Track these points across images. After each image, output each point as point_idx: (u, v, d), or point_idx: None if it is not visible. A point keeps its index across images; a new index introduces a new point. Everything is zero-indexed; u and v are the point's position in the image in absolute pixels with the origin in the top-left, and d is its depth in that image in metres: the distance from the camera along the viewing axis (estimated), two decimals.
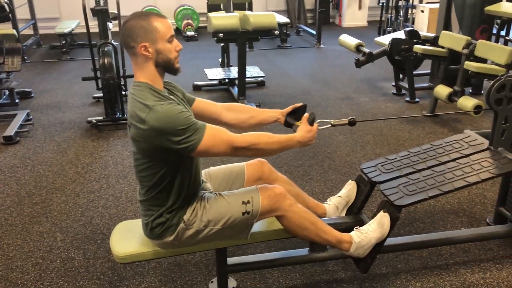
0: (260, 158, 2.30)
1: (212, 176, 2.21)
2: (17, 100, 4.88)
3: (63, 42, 7.01)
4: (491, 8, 4.62)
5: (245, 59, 4.64)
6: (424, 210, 2.94)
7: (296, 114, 2.13)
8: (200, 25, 8.76)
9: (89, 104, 5.02)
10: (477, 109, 3.90)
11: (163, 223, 1.92)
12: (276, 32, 4.46)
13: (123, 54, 4.42)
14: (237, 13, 4.55)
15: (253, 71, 5.28)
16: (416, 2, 8.16)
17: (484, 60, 4.11)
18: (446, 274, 2.38)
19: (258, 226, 2.10)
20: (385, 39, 5.20)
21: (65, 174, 3.48)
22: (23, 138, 4.13)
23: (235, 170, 2.23)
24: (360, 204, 2.39)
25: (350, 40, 5.23)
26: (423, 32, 5.02)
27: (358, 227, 2.20)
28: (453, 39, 4.22)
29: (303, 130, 1.98)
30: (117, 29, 5.17)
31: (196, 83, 5.51)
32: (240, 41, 4.54)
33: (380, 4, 8.26)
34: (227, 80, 5.35)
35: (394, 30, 8.02)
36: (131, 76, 4.63)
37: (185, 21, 8.54)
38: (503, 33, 5.65)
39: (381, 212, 2.15)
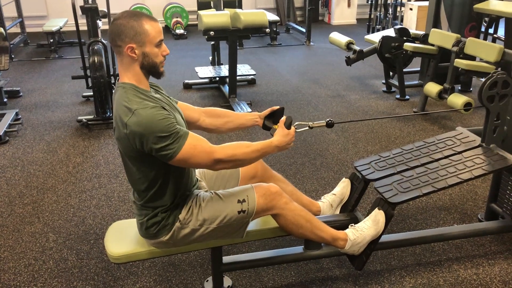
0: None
1: (207, 175, 2.20)
2: (5, 99, 4.82)
3: (51, 40, 6.94)
4: (480, 6, 4.66)
5: (236, 57, 4.63)
6: (417, 207, 2.97)
7: (274, 117, 2.13)
8: (189, 23, 8.73)
9: (79, 103, 4.98)
10: (467, 106, 3.93)
11: (159, 223, 1.92)
12: (267, 30, 4.45)
13: (112, 52, 4.38)
14: (227, 11, 4.53)
15: (244, 69, 5.28)
16: (404, 0, 8.20)
17: (472, 58, 4.15)
18: (439, 270, 2.40)
19: (253, 225, 2.10)
20: (375, 37, 5.22)
21: (56, 174, 3.45)
22: (12, 138, 4.08)
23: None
24: (354, 201, 2.40)
25: (340, 38, 5.24)
26: (413, 30, 5.04)
27: (353, 224, 2.21)
28: (443, 37, 4.26)
29: (280, 134, 1.97)
30: (106, 27, 5.13)
31: (186, 81, 5.49)
32: (231, 39, 4.52)
33: (369, 2, 8.30)
34: (217, 78, 5.34)
35: (383, 28, 8.06)
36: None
37: (174, 19, 8.50)
38: (491, 31, 5.69)
39: (376, 210, 2.16)
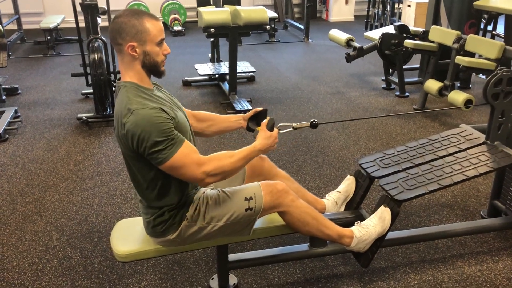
0: (260, 154, 2.29)
1: None
2: (3, 97, 4.79)
3: (49, 37, 6.89)
4: (480, 3, 4.67)
5: (236, 54, 4.62)
6: (419, 204, 2.97)
7: (258, 118, 2.10)
8: (187, 19, 8.70)
9: (78, 100, 4.96)
10: (468, 103, 3.94)
11: (166, 221, 1.91)
12: (268, 27, 4.44)
13: (112, 49, 4.36)
14: (228, 8, 4.51)
15: (243, 67, 5.27)
16: None
17: (472, 55, 4.16)
18: (444, 267, 2.41)
19: (259, 222, 2.10)
20: (375, 34, 5.22)
21: (57, 172, 3.43)
22: (12, 136, 4.06)
23: None
24: (359, 199, 2.40)
25: (340, 35, 5.23)
26: (412, 27, 5.04)
27: (359, 221, 2.21)
28: (443, 34, 4.26)
29: (262, 137, 1.95)
30: (106, 24, 5.10)
31: (186, 78, 5.47)
32: (231, 36, 4.51)
33: None
34: (217, 75, 5.33)
35: (381, 25, 8.07)
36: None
37: (172, 16, 8.47)
38: (490, 28, 5.70)
39: (382, 207, 2.16)
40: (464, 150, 2.37)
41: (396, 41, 4.79)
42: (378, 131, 4.11)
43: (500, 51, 3.66)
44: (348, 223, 2.30)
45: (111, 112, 4.34)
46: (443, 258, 2.48)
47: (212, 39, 5.49)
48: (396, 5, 8.22)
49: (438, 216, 2.86)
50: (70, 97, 5.04)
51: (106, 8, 4.34)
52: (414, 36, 4.88)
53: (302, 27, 8.00)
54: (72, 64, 6.35)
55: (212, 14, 4.34)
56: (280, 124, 2.12)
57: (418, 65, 5.45)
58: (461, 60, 3.83)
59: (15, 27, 7.75)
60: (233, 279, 2.30)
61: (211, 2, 5.88)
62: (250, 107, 4.44)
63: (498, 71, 2.25)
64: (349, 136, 4.01)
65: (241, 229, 2.00)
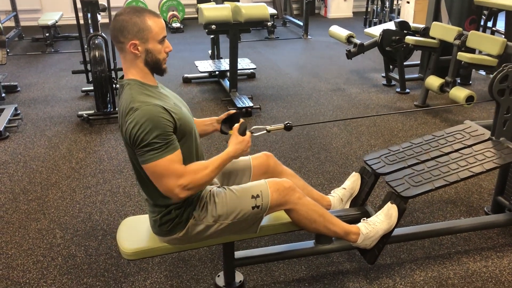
0: (265, 152, 2.29)
1: None
2: (3, 95, 4.76)
3: (47, 34, 6.86)
4: None
5: (237, 51, 4.61)
6: (423, 200, 2.97)
7: (230, 122, 2.05)
8: (185, 16, 8.67)
9: (78, 98, 4.93)
10: (469, 99, 3.94)
11: (172, 220, 1.90)
12: (269, 23, 4.43)
13: (113, 46, 4.34)
14: (228, 5, 4.50)
15: (244, 63, 5.25)
16: None
17: (472, 51, 4.16)
18: (449, 263, 2.41)
19: (266, 220, 2.09)
20: (375, 30, 5.22)
21: (59, 170, 3.42)
22: (12, 134, 4.04)
23: (241, 164, 2.22)
24: (364, 196, 2.40)
25: (340, 31, 5.23)
26: (411, 23, 5.04)
27: (365, 218, 2.21)
28: (445, 30, 4.26)
29: (233, 142, 1.91)
30: (105, 20, 5.07)
31: (186, 75, 5.45)
32: (232, 32, 4.50)
33: None
34: (217, 72, 5.31)
35: (380, 21, 8.06)
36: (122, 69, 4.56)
37: (170, 13, 8.44)
38: (489, 24, 5.71)
39: (389, 204, 2.16)
40: (470, 146, 2.37)
41: (397, 37, 4.79)
42: (380, 128, 4.11)
43: (502, 47, 3.66)
44: (353, 220, 2.29)
45: (111, 109, 4.33)
46: (448, 254, 2.48)
47: (212, 36, 5.47)
48: (395, 2, 8.21)
49: (442, 213, 2.86)
50: (70, 95, 5.02)
51: (106, 5, 4.32)
52: (414, 32, 4.88)
53: (301, 23, 7.99)
54: (71, 61, 6.33)
55: (213, 10, 4.33)
56: (253, 127, 2.12)
57: (418, 62, 5.44)
58: (463, 56, 3.83)
59: (12, 24, 7.70)
60: (239, 276, 2.30)
61: None
62: (251, 104, 4.43)
63: (504, 67, 2.25)
64: (351, 133, 4.01)
65: (248, 226, 2.00)
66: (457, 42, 4.07)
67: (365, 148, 3.73)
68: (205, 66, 5.23)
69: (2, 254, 2.51)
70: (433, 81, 4.33)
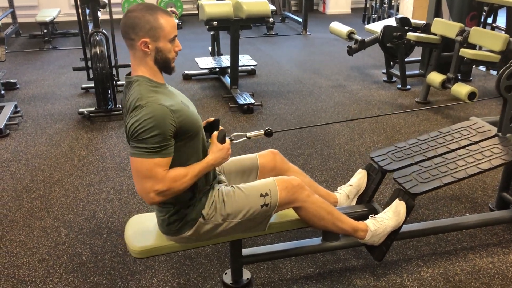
0: (272, 149, 2.28)
1: (226, 169, 2.17)
2: (2, 92, 4.73)
3: (45, 31, 6.81)
4: None
5: (238, 48, 4.59)
6: (428, 197, 2.97)
7: (211, 129, 1.99)
8: (184, 13, 8.63)
9: (78, 95, 4.91)
10: (471, 95, 3.94)
11: (181, 219, 1.89)
12: (271, 19, 4.41)
13: (114, 43, 4.32)
14: (229, 1, 4.48)
15: (244, 60, 5.23)
16: None
17: (473, 47, 4.15)
18: (455, 260, 2.41)
19: (273, 217, 2.08)
20: (376, 27, 5.21)
21: (62, 168, 3.40)
22: (13, 131, 4.01)
23: (247, 162, 2.21)
24: (371, 192, 2.40)
25: (341, 28, 5.22)
26: (412, 19, 5.03)
27: (373, 215, 2.21)
28: (446, 26, 4.25)
29: (213, 150, 1.88)
30: (105, 17, 5.04)
31: (186, 72, 5.43)
32: (233, 29, 4.48)
33: None
34: (217, 69, 5.29)
35: (379, 17, 8.06)
36: (123, 66, 4.56)
37: (169, 9, 8.38)
38: (489, 20, 5.71)
39: (397, 200, 2.16)
40: (476, 142, 2.37)
41: (398, 33, 4.78)
42: (382, 124, 4.11)
43: (505, 43, 3.66)
44: (361, 217, 2.29)
45: (112, 107, 4.30)
46: (454, 251, 2.49)
47: (212, 32, 5.45)
48: None
49: (447, 209, 2.86)
50: (70, 92, 4.99)
51: (106, 1, 4.29)
52: (415, 28, 4.87)
53: (300, 20, 7.97)
54: (69, 58, 6.29)
55: (214, 7, 4.31)
56: (233, 134, 2.11)
57: (419, 58, 5.44)
58: (465, 52, 3.83)
59: (9, 20, 7.64)
60: (246, 274, 2.29)
61: None
62: (252, 101, 4.41)
63: (511, 64, 2.24)
64: (353, 130, 4.01)
65: (257, 225, 1.99)
66: (459, 38, 4.07)
67: (368, 144, 3.73)
68: (206, 63, 5.21)
69: (7, 253, 2.49)
70: (435, 77, 4.32)
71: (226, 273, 2.30)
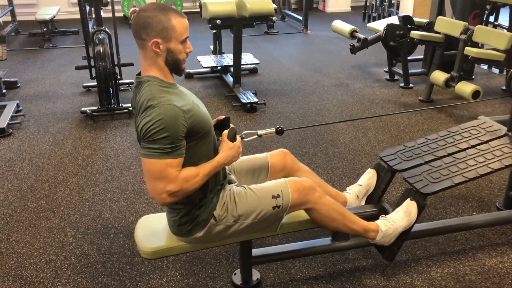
0: (282, 149, 2.27)
1: (236, 169, 2.16)
2: (4, 91, 4.70)
3: (45, 29, 6.77)
4: None
5: (241, 46, 4.57)
6: (435, 196, 2.96)
7: (220, 128, 1.97)
8: (183, 11, 8.59)
9: (80, 93, 4.88)
10: (476, 94, 3.94)
11: (192, 220, 1.88)
12: (274, 18, 4.40)
13: (117, 41, 4.29)
14: None
15: (246, 58, 5.22)
16: None
17: (475, 45, 4.14)
18: (465, 259, 2.41)
19: (284, 218, 2.07)
20: (378, 25, 5.20)
21: (66, 167, 3.38)
22: (15, 130, 3.99)
23: (258, 162, 2.19)
24: (380, 192, 2.39)
25: (344, 26, 5.20)
26: (415, 18, 5.02)
27: (383, 215, 2.20)
28: (450, 25, 4.25)
29: (223, 149, 1.86)
30: (105, 15, 5.02)
31: (188, 70, 5.41)
32: (236, 27, 4.46)
33: None
34: (219, 67, 5.27)
35: (379, 16, 8.05)
36: (126, 65, 4.53)
37: None
38: (491, 18, 5.71)
39: (408, 200, 2.15)
40: (486, 142, 2.37)
41: (401, 32, 4.77)
42: (386, 123, 4.10)
43: (510, 42, 3.66)
44: (371, 217, 2.29)
45: (115, 106, 4.28)
46: (463, 250, 2.48)
47: (214, 31, 5.43)
48: None
49: (454, 208, 2.86)
50: (71, 90, 4.96)
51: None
52: (418, 27, 4.87)
53: (300, 18, 7.95)
54: (69, 56, 6.26)
55: (217, 5, 4.28)
56: (244, 132, 2.10)
57: (421, 56, 5.43)
58: (470, 51, 3.82)
59: (8, 18, 7.59)
60: (255, 274, 2.28)
61: None
62: (256, 100, 4.40)
63: None
64: (357, 128, 4.00)
65: (268, 226, 1.98)
66: (463, 37, 4.06)
67: (373, 143, 3.72)
68: (208, 61, 5.19)
69: (14, 254, 2.47)
70: (439, 76, 4.32)
71: (235, 274, 2.29)
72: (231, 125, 1.97)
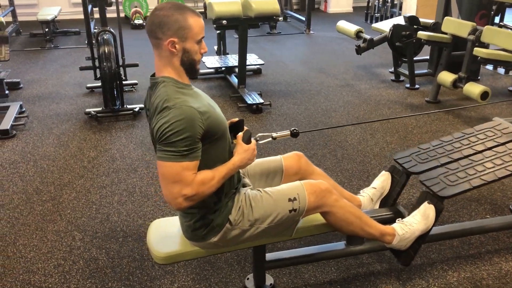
0: (296, 151, 2.23)
1: (250, 172, 2.11)
2: (6, 92, 4.64)
3: (46, 29, 6.71)
4: None
5: (246, 47, 4.53)
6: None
7: (234, 130, 1.93)
8: None
9: (83, 94, 4.83)
10: (484, 95, 3.91)
11: (207, 225, 1.83)
12: (280, 18, 4.36)
13: (122, 42, 4.25)
14: None
15: (251, 59, 5.17)
16: None
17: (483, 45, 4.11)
18: (481, 263, 2.37)
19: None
20: (384, 25, 5.16)
21: (71, 169, 3.33)
22: (19, 132, 3.94)
23: (272, 165, 2.15)
24: (395, 195, 2.35)
25: (349, 27, 5.17)
26: (420, 18, 4.98)
27: (400, 219, 2.16)
28: (458, 25, 4.21)
29: (238, 151, 1.81)
30: (113, 15, 4.96)
31: None
32: (242, 28, 4.42)
33: None
34: (223, 68, 5.23)
35: (382, 16, 8.02)
36: (131, 65, 4.48)
37: (133, 9, 8.30)
38: (496, 19, 5.68)
39: (425, 204, 2.11)
40: (503, 144, 2.33)
41: (407, 32, 4.74)
42: (394, 124, 4.06)
43: None
44: (386, 220, 2.24)
45: (120, 107, 4.23)
46: (479, 254, 2.44)
47: (218, 32, 5.38)
48: None
49: (467, 211, 2.82)
50: (75, 91, 4.91)
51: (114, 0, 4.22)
52: (424, 27, 4.83)
53: (302, 18, 7.92)
54: (72, 57, 6.21)
55: (223, 5, 4.24)
56: (259, 134, 2.06)
57: (427, 57, 5.39)
58: (480, 52, 3.79)
59: (9, 19, 7.53)
60: (269, 279, 2.24)
61: None
62: (261, 100, 4.36)
63: None
64: (365, 130, 3.96)
65: (284, 230, 1.94)
66: (472, 37, 4.03)
67: (381, 145, 3.68)
68: (212, 62, 5.14)
69: (21, 258, 2.43)
70: (446, 77, 4.28)
71: (248, 278, 2.25)
72: (245, 127, 1.93)
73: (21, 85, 5.03)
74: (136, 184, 3.12)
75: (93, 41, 4.37)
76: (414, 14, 7.73)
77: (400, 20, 5.08)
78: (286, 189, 1.93)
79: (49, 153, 3.56)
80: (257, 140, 1.98)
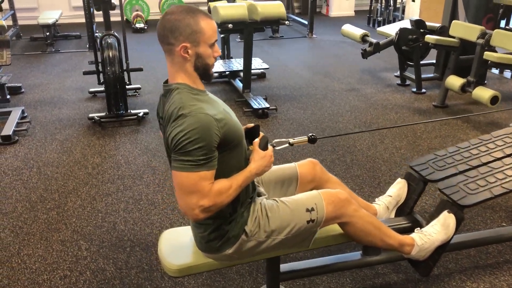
0: (311, 159, 2.16)
1: (264, 180, 2.04)
2: (8, 96, 4.57)
3: (47, 33, 6.65)
4: None
5: (251, 51, 4.47)
6: None
7: (250, 136, 1.85)
8: None
9: (86, 99, 4.76)
10: (494, 99, 3.85)
11: (222, 236, 1.76)
12: (286, 22, 4.30)
13: (126, 46, 4.19)
14: (244, 3, 4.36)
15: (256, 63, 5.11)
16: None
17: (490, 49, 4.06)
18: (500, 274, 2.30)
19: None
20: (389, 29, 5.11)
21: (76, 176, 3.26)
22: (21, 137, 3.87)
23: (287, 172, 2.08)
24: (412, 203, 2.28)
25: (354, 31, 5.12)
26: (429, 22, 4.93)
27: (418, 228, 2.09)
28: (466, 29, 4.16)
29: (255, 158, 1.74)
30: (117, 18, 4.90)
31: None
32: (247, 32, 4.36)
33: None
34: (227, 72, 5.17)
35: (384, 20, 7.98)
36: (135, 70, 4.42)
37: (134, 13, 8.26)
38: (502, 22, 5.64)
39: (445, 213, 2.04)
40: None
41: (414, 36, 4.69)
42: (402, 129, 4.00)
43: None
44: (403, 230, 2.18)
45: (124, 112, 4.16)
46: (497, 264, 2.38)
47: (223, 35, 5.33)
48: (399, 0, 8.12)
49: (482, 219, 2.75)
50: (77, 96, 4.84)
51: (117, 3, 4.15)
52: (431, 31, 4.78)
53: (304, 22, 7.87)
54: (73, 61, 6.14)
55: (229, 9, 4.18)
56: (275, 140, 1.99)
57: (432, 61, 5.34)
58: (490, 56, 3.73)
59: (10, 23, 7.47)
60: None
61: None
62: (267, 105, 4.29)
63: None
64: (373, 135, 3.90)
65: (301, 241, 1.87)
66: (481, 41, 3.97)
67: (391, 150, 3.62)
68: (216, 66, 5.08)
69: (26, 269, 2.35)
70: (454, 81, 4.23)
71: None
72: (261, 133, 1.86)
73: (23, 90, 4.97)
74: (142, 191, 3.05)
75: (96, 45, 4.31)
76: (417, 17, 7.71)
77: (405, 24, 5.03)
78: (303, 198, 1.86)
79: (53, 160, 3.49)
80: (274, 146, 1.92)
